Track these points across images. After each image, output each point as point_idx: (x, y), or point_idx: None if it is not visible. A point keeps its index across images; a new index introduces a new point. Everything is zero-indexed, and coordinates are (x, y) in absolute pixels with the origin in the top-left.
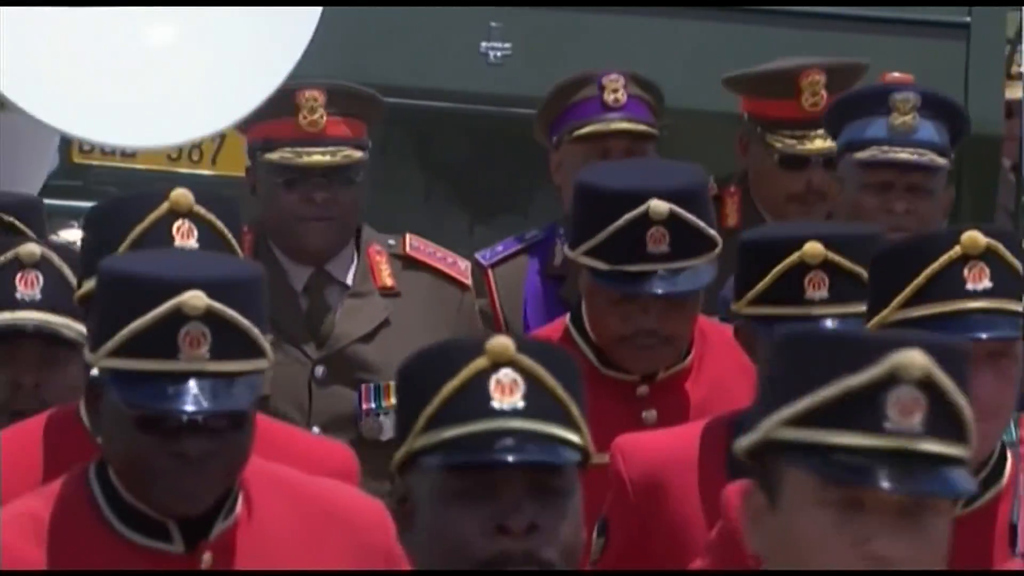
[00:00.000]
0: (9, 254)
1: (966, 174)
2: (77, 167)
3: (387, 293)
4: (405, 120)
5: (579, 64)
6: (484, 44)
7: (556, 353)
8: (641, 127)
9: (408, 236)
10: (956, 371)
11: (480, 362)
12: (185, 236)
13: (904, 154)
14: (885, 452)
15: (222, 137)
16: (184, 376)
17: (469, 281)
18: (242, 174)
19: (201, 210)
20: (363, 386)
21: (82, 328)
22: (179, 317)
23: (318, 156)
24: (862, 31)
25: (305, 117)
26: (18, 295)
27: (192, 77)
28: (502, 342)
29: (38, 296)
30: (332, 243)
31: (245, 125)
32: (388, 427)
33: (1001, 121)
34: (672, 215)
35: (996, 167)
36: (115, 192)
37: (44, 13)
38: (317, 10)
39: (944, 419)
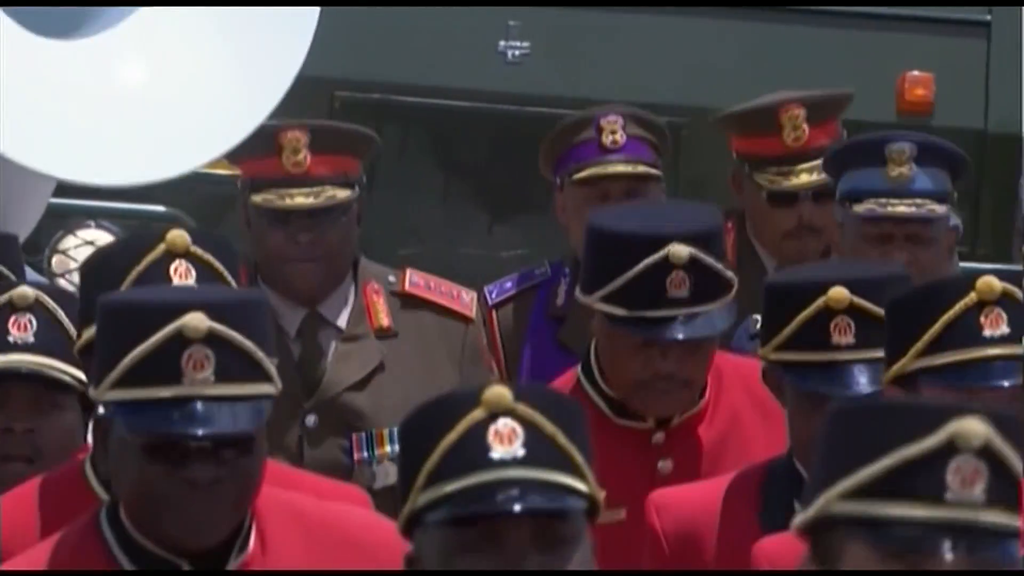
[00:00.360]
0: (2, 297)
1: (987, 172)
2: None
3: (383, 335)
4: (423, 119)
5: (596, 62)
6: (502, 43)
7: (557, 399)
8: (640, 169)
9: (408, 272)
10: (1013, 439)
11: (477, 413)
12: (183, 277)
13: (902, 207)
14: (946, 524)
15: None
16: (189, 400)
17: (473, 313)
18: None
19: (198, 250)
20: (354, 435)
21: (77, 372)
22: (181, 340)
23: (301, 198)
24: (883, 29)
25: (288, 158)
26: (11, 338)
27: (165, 116)
28: (498, 391)
29: (31, 339)
30: (321, 283)
31: (231, 158)
32: (381, 475)
33: (1022, 119)
34: (692, 259)
35: (1017, 165)
36: (128, 191)
37: (12, 50)
38: (304, 47)
39: (1004, 489)
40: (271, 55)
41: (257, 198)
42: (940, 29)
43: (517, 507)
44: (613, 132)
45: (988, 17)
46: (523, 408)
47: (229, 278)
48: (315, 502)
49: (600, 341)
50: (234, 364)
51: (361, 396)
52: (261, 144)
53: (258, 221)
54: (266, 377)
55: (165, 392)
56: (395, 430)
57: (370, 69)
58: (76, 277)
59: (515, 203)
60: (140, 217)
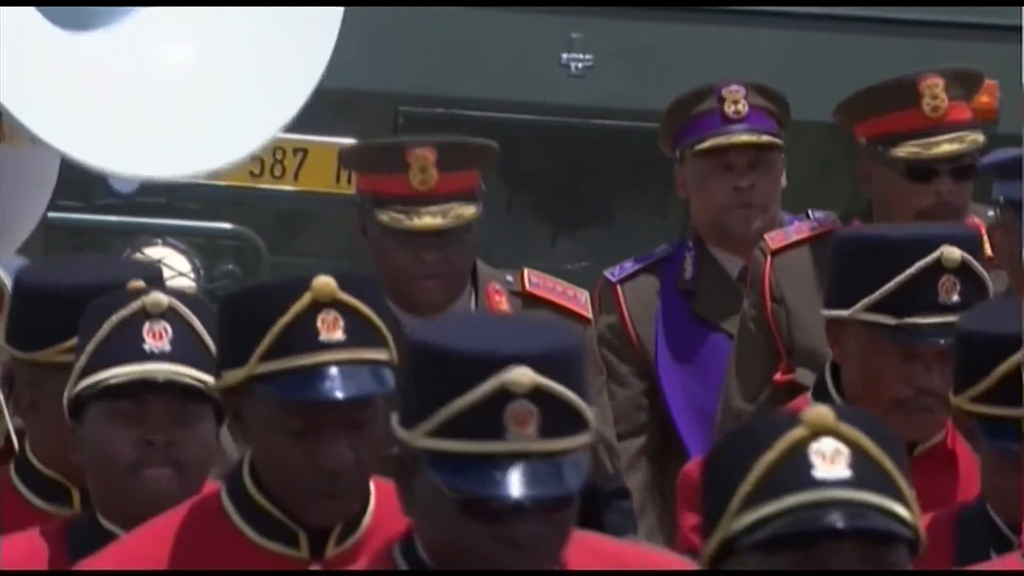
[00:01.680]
0: (135, 304)
1: None
2: (158, 185)
3: None
4: (487, 132)
5: (660, 74)
6: (565, 56)
7: (879, 425)
8: (764, 138)
9: (526, 272)
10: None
11: (798, 432)
12: (331, 328)
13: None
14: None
15: (304, 152)
16: (511, 458)
17: (590, 314)
18: (324, 189)
19: (346, 297)
20: None
21: (212, 381)
22: (504, 395)
23: (429, 218)
24: (947, 38)
25: (416, 176)
26: (146, 347)
27: (211, 102)
28: (820, 412)
29: (167, 348)
30: (444, 299)
31: (354, 171)
32: None
33: None
34: (963, 263)
35: None
36: (195, 208)
37: (57, 36)
38: (337, 18)
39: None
40: (307, 30)
41: (384, 216)
42: (1004, 37)
43: (842, 525)
44: (736, 102)
45: (1022, 22)
46: (846, 429)
47: (379, 324)
48: (607, 538)
49: (856, 360)
50: (559, 419)
51: None
52: (388, 160)
53: (382, 237)
54: (587, 427)
55: (485, 448)
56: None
57: (434, 83)
58: None
59: (578, 215)
60: (208, 235)
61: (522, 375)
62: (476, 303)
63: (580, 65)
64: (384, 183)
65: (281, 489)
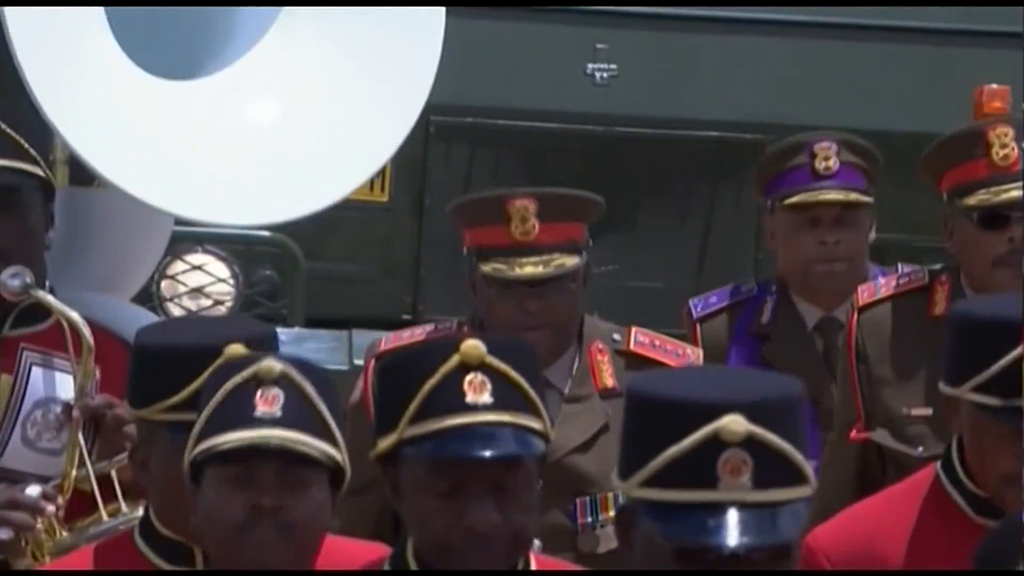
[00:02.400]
0: (248, 371)
1: None
2: None
3: (607, 395)
4: (515, 141)
5: (681, 83)
6: (591, 66)
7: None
8: (852, 196)
9: (634, 331)
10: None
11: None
12: (478, 391)
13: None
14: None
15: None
16: (724, 506)
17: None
18: (359, 197)
19: (494, 361)
20: (578, 500)
21: (325, 447)
22: (718, 443)
23: (530, 268)
24: (961, 45)
25: (516, 227)
26: (257, 413)
27: (296, 154)
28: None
29: (278, 414)
30: (549, 350)
31: (459, 225)
32: (605, 540)
33: None
34: None
35: None
36: None
37: (144, 89)
38: (428, 82)
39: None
40: (400, 82)
41: (486, 268)
42: (1016, 43)
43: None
44: (826, 158)
45: None
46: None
47: (528, 388)
48: None
49: (969, 434)
50: (773, 469)
51: (586, 458)
52: (488, 212)
53: (486, 289)
54: (805, 480)
55: (700, 497)
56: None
57: (464, 94)
58: (186, 301)
59: (604, 221)
60: (246, 242)
61: (735, 423)
62: (579, 362)
63: (605, 75)
64: (486, 235)
65: (431, 553)
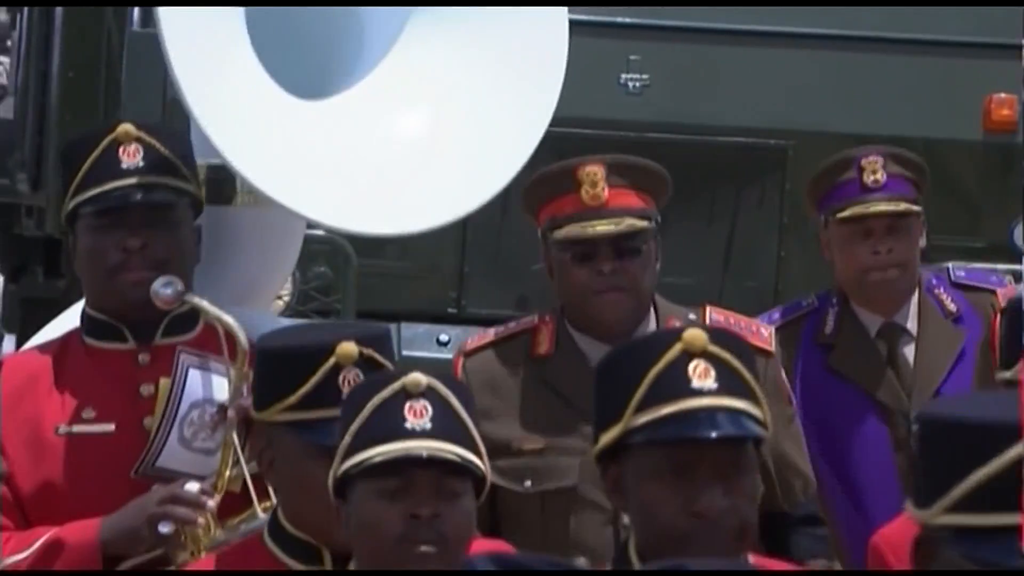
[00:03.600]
0: (395, 384)
1: None
2: None
3: None
4: (552, 145)
5: (710, 92)
6: (624, 75)
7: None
8: (902, 206)
9: (708, 308)
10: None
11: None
12: (702, 376)
13: None
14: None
15: None
16: None
17: (773, 347)
18: None
19: (716, 348)
20: None
21: (472, 457)
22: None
23: (603, 227)
24: (972, 56)
25: (587, 191)
26: (408, 425)
27: (443, 163)
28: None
29: (428, 425)
30: (627, 315)
31: (531, 207)
32: None
33: None
34: None
35: None
36: None
37: (288, 108)
38: (557, 86)
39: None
40: (531, 88)
41: (559, 233)
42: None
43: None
44: (874, 172)
45: None
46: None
47: (747, 374)
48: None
49: None
50: None
51: None
52: (560, 181)
53: (561, 259)
54: None
55: (1007, 520)
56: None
57: None
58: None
59: None
60: (303, 241)
61: None
62: None
63: (637, 84)
64: (559, 206)
65: (659, 541)
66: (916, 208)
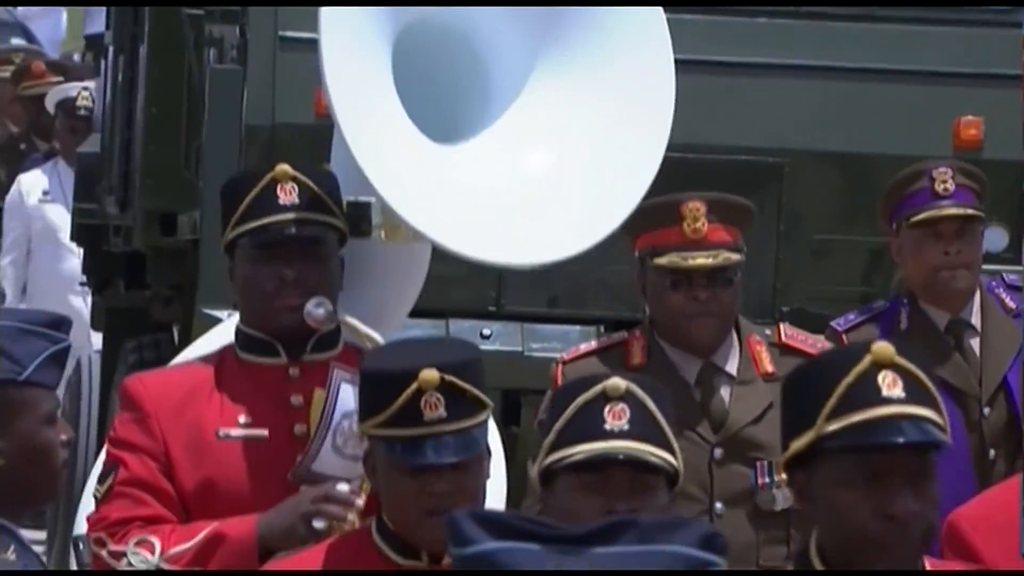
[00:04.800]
0: (596, 388)
1: None
2: None
3: (768, 379)
4: None
5: (714, 116)
6: None
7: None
8: (969, 211)
9: (782, 326)
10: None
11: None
12: (891, 386)
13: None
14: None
15: None
16: None
17: None
18: None
19: (903, 361)
20: (757, 463)
21: (666, 455)
22: None
23: (702, 259)
24: (943, 84)
25: (689, 225)
26: (607, 426)
27: (569, 199)
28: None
29: (626, 426)
30: (716, 337)
31: (632, 232)
32: (780, 499)
33: None
34: None
35: None
36: None
37: (430, 152)
38: (669, 117)
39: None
40: (647, 123)
41: (662, 260)
42: (988, 82)
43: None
44: (944, 182)
45: None
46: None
47: (931, 385)
48: None
49: None
50: None
51: (759, 429)
52: (663, 215)
53: (659, 283)
54: None
55: None
56: None
57: None
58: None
59: None
60: None
61: None
62: (741, 351)
63: None
64: (660, 236)
65: (849, 545)
66: (981, 214)
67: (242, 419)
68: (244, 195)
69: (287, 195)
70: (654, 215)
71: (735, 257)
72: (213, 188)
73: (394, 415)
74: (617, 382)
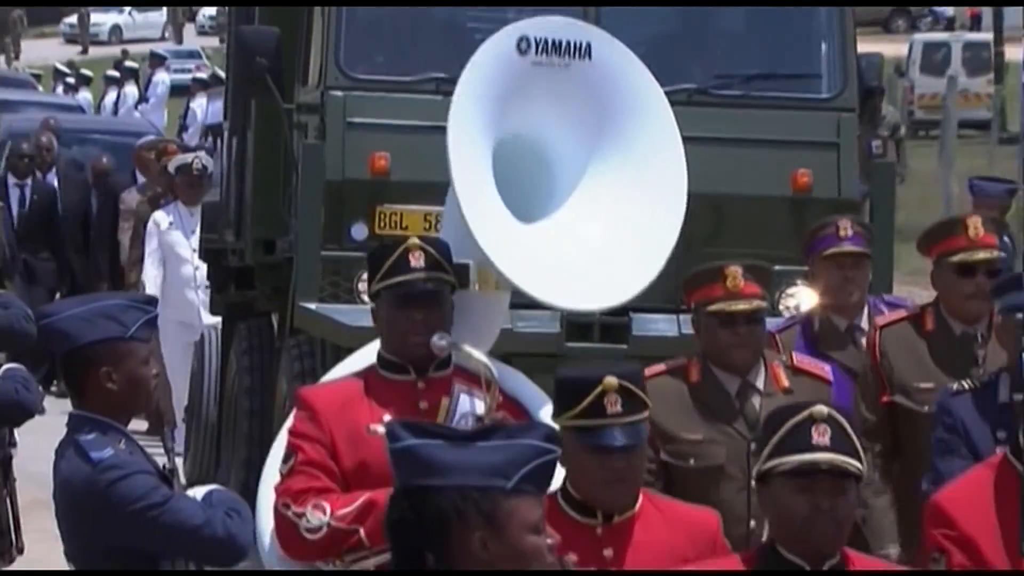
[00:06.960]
0: (804, 413)
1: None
2: None
3: (785, 392)
4: None
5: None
6: None
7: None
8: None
9: (795, 355)
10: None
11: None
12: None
13: None
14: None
15: None
16: None
17: (831, 379)
18: None
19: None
20: None
21: (859, 464)
22: None
23: (742, 306)
24: (784, 148)
25: (731, 282)
26: (814, 441)
27: (616, 260)
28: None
29: (828, 443)
30: (749, 364)
31: (687, 290)
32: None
33: (848, 190)
34: None
35: (861, 219)
36: None
37: (518, 228)
38: (684, 199)
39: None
40: (669, 201)
41: (713, 308)
42: (814, 147)
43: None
44: (845, 228)
45: (837, 140)
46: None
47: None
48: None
49: None
50: None
51: None
52: (711, 277)
53: (710, 324)
54: None
55: None
56: None
57: None
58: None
59: None
60: None
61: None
62: (766, 373)
63: None
64: (709, 291)
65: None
66: (869, 252)
67: (385, 419)
68: (386, 259)
69: (416, 260)
70: (704, 276)
71: (764, 304)
72: (305, 221)
73: (584, 409)
74: (821, 409)
